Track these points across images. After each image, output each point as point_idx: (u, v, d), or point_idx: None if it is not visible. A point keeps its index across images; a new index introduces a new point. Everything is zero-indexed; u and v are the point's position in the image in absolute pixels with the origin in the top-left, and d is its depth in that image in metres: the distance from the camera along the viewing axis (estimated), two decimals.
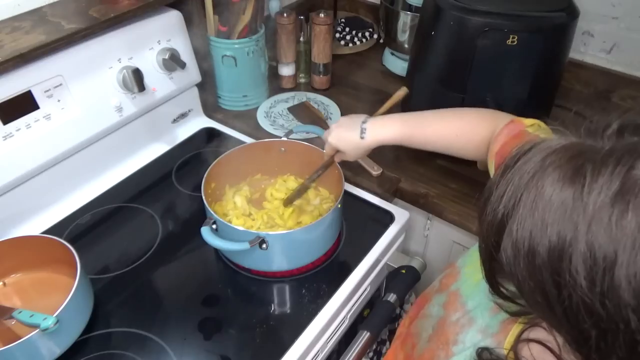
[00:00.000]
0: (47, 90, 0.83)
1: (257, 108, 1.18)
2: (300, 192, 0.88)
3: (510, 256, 0.39)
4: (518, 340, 0.48)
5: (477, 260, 0.56)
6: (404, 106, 1.12)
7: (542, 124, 0.65)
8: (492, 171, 0.69)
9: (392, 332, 0.99)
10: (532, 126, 0.66)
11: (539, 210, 0.37)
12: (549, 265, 0.36)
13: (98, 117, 0.91)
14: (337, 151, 0.83)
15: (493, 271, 0.44)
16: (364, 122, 0.78)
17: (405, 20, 1.21)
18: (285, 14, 1.15)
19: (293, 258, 0.81)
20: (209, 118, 1.17)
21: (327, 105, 1.19)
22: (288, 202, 0.88)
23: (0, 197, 0.83)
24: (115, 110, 0.93)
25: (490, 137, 0.70)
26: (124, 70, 0.91)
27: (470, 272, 0.61)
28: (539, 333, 0.48)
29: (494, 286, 0.45)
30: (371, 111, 1.17)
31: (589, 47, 1.20)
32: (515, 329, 0.51)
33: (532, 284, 0.38)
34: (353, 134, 0.77)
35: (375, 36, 1.46)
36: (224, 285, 0.82)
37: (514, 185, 0.39)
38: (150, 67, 0.97)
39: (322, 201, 0.90)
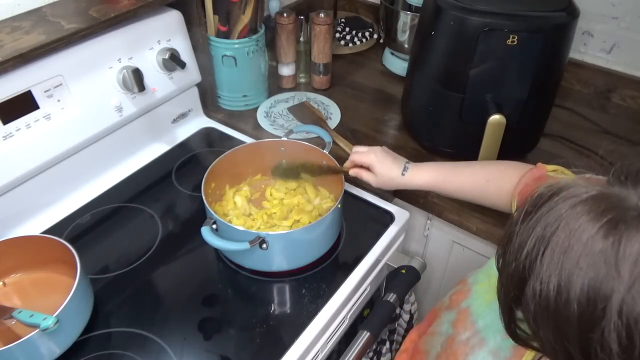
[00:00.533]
0: (47, 90, 0.83)
1: (257, 108, 1.18)
2: (292, 170, 0.87)
3: (533, 313, 0.36)
4: None
5: (490, 278, 0.56)
6: (404, 106, 1.12)
7: (565, 170, 0.66)
8: (514, 210, 0.68)
9: (392, 332, 0.99)
10: (554, 171, 0.67)
11: (569, 262, 0.34)
12: (578, 328, 0.33)
13: (98, 117, 0.91)
14: (362, 168, 0.83)
15: (513, 319, 0.41)
16: (407, 163, 0.81)
17: (405, 20, 1.21)
18: (285, 14, 1.15)
19: (293, 258, 0.81)
20: (209, 118, 1.17)
21: (327, 105, 1.19)
22: (277, 171, 0.88)
23: (0, 197, 0.83)
24: (115, 110, 0.93)
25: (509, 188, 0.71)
26: (124, 70, 0.91)
27: (482, 290, 0.59)
28: None
29: (515, 335, 0.42)
30: (371, 110, 1.18)
31: (589, 47, 1.20)
32: (529, 355, 0.50)
33: (558, 346, 0.35)
34: (396, 168, 0.79)
35: (375, 36, 1.46)
36: (224, 285, 0.82)
37: (537, 236, 0.36)
38: (150, 67, 0.97)
39: (322, 201, 0.90)
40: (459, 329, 0.58)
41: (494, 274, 0.55)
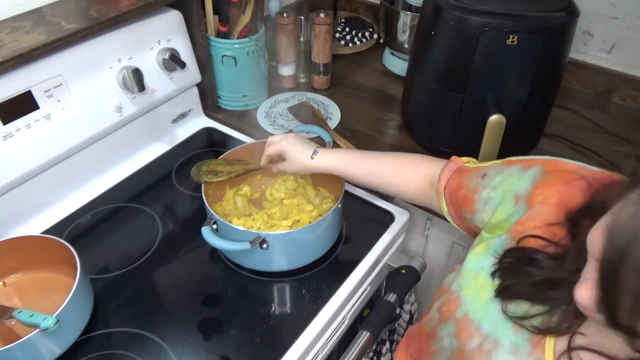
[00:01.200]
0: (47, 90, 0.83)
1: (257, 108, 1.18)
2: (214, 170, 0.87)
3: None
4: (569, 350, 0.46)
5: (475, 280, 0.56)
6: (404, 106, 1.12)
7: (475, 160, 0.72)
8: (443, 207, 0.71)
9: (392, 332, 0.99)
10: (468, 162, 0.71)
11: None
12: None
13: (98, 117, 0.91)
14: (276, 158, 0.84)
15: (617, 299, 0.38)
16: (318, 147, 0.81)
17: (405, 20, 1.21)
18: (285, 14, 1.15)
19: (293, 258, 0.81)
20: (209, 118, 1.17)
21: (327, 105, 1.19)
22: (196, 173, 0.86)
23: (0, 197, 0.83)
24: (115, 110, 0.93)
25: (432, 176, 0.74)
26: (124, 70, 0.91)
27: (472, 294, 0.58)
28: (581, 339, 0.47)
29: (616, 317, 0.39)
30: (371, 110, 1.18)
31: (589, 47, 1.20)
32: (549, 343, 0.49)
33: None
34: (306, 152, 0.80)
35: (375, 36, 1.46)
36: (224, 285, 0.82)
37: None
38: (150, 67, 0.97)
39: (322, 201, 0.90)
40: (465, 339, 0.56)
41: (477, 274, 0.56)
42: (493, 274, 0.55)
